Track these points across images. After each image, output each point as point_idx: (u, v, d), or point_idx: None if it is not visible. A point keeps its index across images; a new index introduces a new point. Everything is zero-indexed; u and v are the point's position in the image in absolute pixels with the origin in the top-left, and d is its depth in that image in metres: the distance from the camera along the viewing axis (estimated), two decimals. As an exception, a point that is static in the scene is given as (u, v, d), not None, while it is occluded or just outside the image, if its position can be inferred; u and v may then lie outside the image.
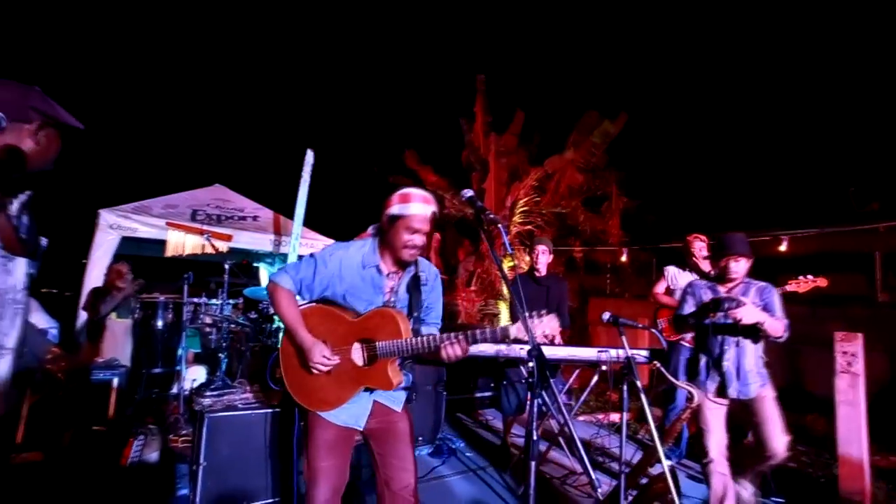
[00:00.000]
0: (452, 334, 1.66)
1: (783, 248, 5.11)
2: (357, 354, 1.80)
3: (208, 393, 3.04)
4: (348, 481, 1.87)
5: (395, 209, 1.77)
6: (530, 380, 1.33)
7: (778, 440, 2.40)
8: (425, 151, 9.39)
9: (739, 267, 2.52)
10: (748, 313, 2.30)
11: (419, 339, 1.69)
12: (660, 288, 3.96)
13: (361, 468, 2.77)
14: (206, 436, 2.61)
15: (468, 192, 1.73)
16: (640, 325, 3.65)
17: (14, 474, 2.82)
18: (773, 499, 3.09)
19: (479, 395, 5.16)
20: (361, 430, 1.87)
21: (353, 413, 1.85)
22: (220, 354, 3.67)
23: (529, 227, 8.05)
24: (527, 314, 1.45)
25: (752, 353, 2.51)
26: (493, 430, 4.55)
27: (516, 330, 1.52)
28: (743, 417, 2.57)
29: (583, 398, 3.10)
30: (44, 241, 1.50)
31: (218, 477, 2.59)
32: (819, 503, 1.97)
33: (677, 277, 3.92)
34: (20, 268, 1.41)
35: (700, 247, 3.82)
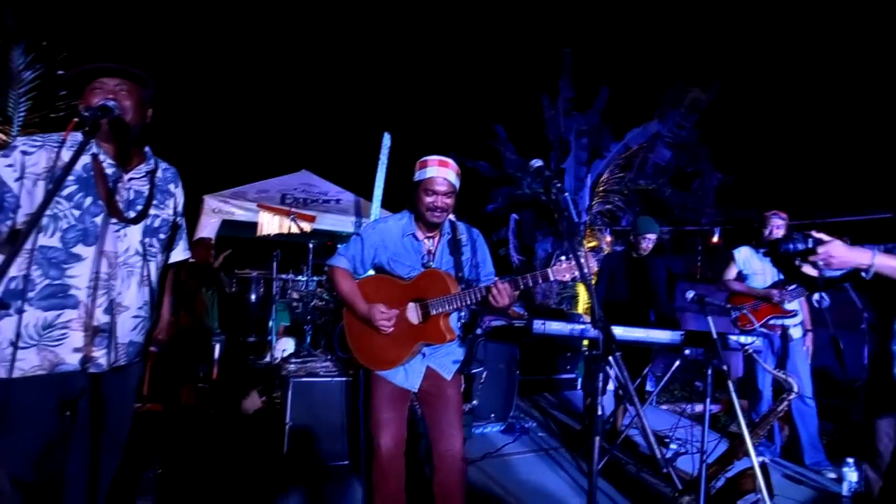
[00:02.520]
0: (496, 279, 1.80)
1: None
2: (412, 313, 1.92)
3: (294, 360, 3.29)
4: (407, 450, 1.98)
5: (415, 175, 1.91)
6: (594, 352, 1.26)
7: None
8: (506, 131, 9.26)
9: None
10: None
11: (466, 291, 1.81)
12: (730, 273, 3.55)
13: (419, 443, 2.86)
14: (292, 398, 2.83)
15: (537, 162, 1.69)
16: (730, 306, 3.43)
17: (142, 421, 3.28)
18: None
19: (558, 377, 5.06)
20: (415, 390, 1.97)
21: (408, 375, 1.96)
22: (305, 327, 3.95)
23: (610, 206, 7.66)
24: (573, 252, 1.52)
25: None
26: (572, 413, 4.45)
27: (555, 272, 1.68)
28: None
29: (662, 383, 2.90)
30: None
31: (303, 436, 2.82)
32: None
33: (750, 261, 3.52)
34: (134, 235, 1.58)
35: (777, 224, 3.38)
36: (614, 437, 3.26)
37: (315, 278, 4.67)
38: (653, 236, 3.52)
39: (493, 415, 3.69)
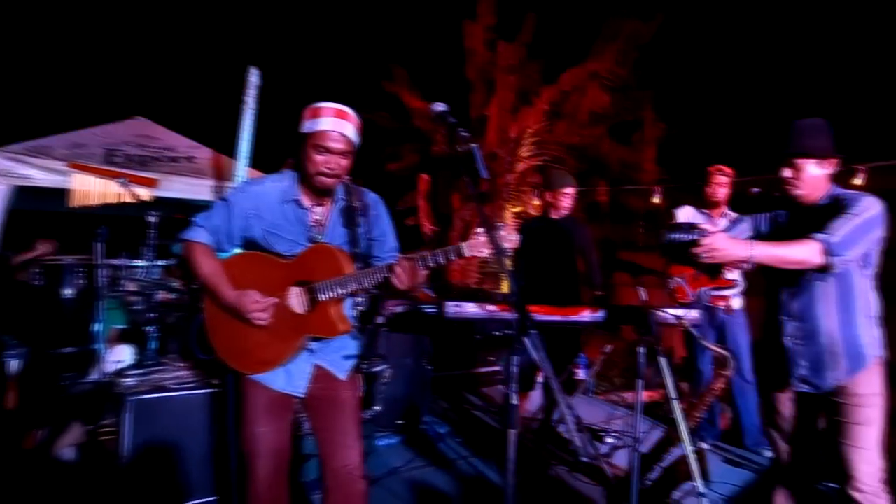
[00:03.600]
0: (400, 256, 1.85)
1: (858, 181, 5.10)
2: (295, 300, 1.92)
3: (133, 373, 3.11)
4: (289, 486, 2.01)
5: (303, 126, 1.87)
6: (507, 332, 1.36)
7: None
8: (412, 72, 9.20)
9: None
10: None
11: (364, 271, 1.85)
12: None
13: (306, 464, 2.90)
14: (130, 424, 2.68)
15: (439, 106, 1.75)
16: (668, 277, 3.79)
17: None
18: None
19: (480, 371, 5.27)
20: (301, 395, 1.99)
21: (291, 377, 1.97)
22: (148, 329, 3.73)
23: (540, 160, 7.98)
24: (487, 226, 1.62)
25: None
26: (496, 411, 4.68)
27: (469, 247, 1.73)
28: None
29: (593, 370, 3.17)
30: None
31: (147, 472, 2.69)
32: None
33: (693, 221, 3.93)
34: None
35: (721, 182, 3.80)
36: (546, 435, 3.51)
37: (160, 263, 4.40)
38: (572, 191, 3.77)
39: (400, 422, 3.79)
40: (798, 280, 2.06)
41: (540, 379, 4.04)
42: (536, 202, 7.84)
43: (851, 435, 1.96)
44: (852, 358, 1.99)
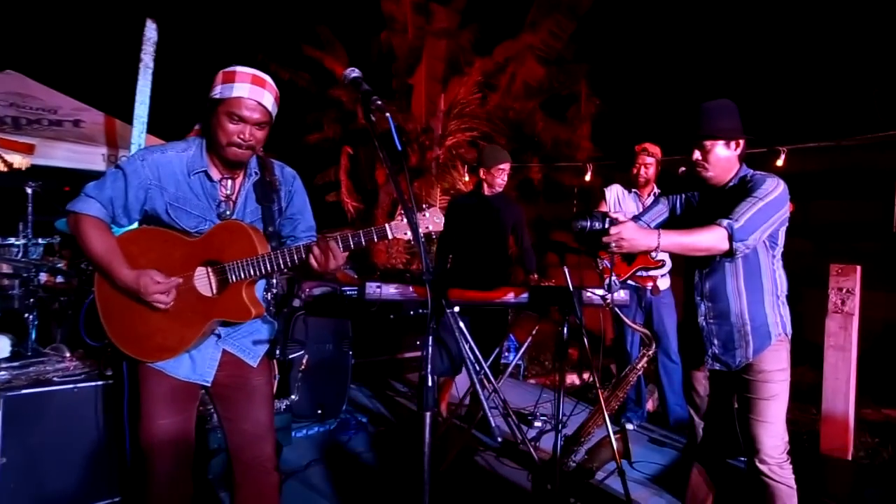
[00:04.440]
0: (318, 236, 1.83)
1: (780, 163, 5.48)
2: (202, 281, 1.88)
3: (6, 366, 2.95)
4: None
5: (215, 91, 1.82)
6: (421, 310, 1.40)
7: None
8: (338, 33, 9.02)
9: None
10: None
11: (279, 251, 1.82)
12: None
13: (212, 460, 2.87)
14: (2, 424, 2.55)
15: (353, 72, 1.74)
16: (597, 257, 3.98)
17: None
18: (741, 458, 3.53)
19: (405, 356, 5.35)
20: (208, 384, 1.96)
21: (196, 364, 1.94)
22: (27, 316, 3.53)
23: (471, 135, 8.08)
24: (411, 208, 1.60)
25: None
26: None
27: (394, 228, 1.74)
28: None
29: (521, 353, 3.30)
30: None
31: (29, 479, 2.56)
32: (798, 463, 2.30)
33: (623, 201, 4.14)
34: None
35: (647, 162, 4.02)
36: (472, 420, 3.63)
37: (41, 241, 4.15)
38: (507, 166, 3.87)
39: (319, 411, 3.81)
40: (709, 261, 2.24)
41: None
42: (466, 178, 7.96)
43: (757, 410, 2.17)
44: (759, 336, 2.20)
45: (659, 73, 10.34)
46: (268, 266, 1.81)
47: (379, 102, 1.68)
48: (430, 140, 7.86)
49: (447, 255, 4.02)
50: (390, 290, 3.00)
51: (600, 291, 2.99)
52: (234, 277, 1.83)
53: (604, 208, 4.13)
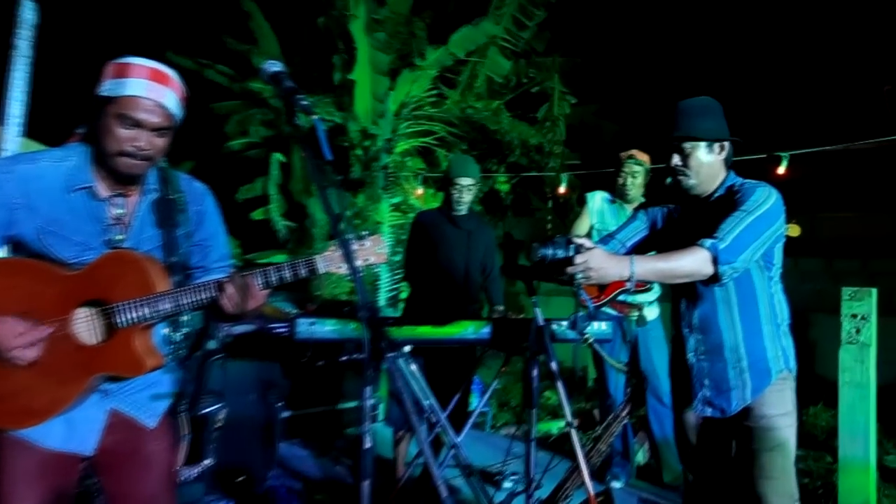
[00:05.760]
0: (233, 271, 1.84)
1: (781, 170, 5.61)
2: (84, 326, 1.78)
3: None
4: None
5: (104, 88, 1.76)
6: (354, 356, 1.37)
7: None
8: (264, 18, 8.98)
9: None
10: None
11: (181, 288, 1.78)
12: (580, 228, 4.20)
13: None
14: None
15: (273, 66, 1.75)
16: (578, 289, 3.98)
17: None
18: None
19: (348, 406, 5.25)
20: (88, 454, 1.87)
21: (74, 429, 1.83)
22: None
23: (425, 140, 8.09)
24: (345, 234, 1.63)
25: None
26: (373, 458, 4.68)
27: (327, 260, 1.75)
28: None
29: (485, 398, 3.26)
30: None
31: None
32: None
33: (606, 214, 4.20)
34: None
35: (634, 171, 4.09)
36: (427, 484, 3.56)
37: None
38: (469, 181, 3.86)
39: (241, 478, 3.70)
40: (696, 287, 2.24)
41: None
42: (420, 191, 7.93)
43: (760, 463, 2.16)
44: (758, 374, 2.20)
45: (645, 67, 10.57)
46: (167, 306, 1.76)
47: (304, 102, 1.68)
48: (375, 146, 7.80)
49: (415, 281, 4.01)
50: (326, 329, 2.94)
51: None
52: (123, 321, 1.75)
53: (585, 220, 4.16)
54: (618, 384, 4.11)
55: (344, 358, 4.00)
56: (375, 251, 1.75)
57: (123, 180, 1.84)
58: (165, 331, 1.99)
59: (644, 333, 4.09)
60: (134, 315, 1.74)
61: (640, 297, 4.06)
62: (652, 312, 4.14)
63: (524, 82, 8.98)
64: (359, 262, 1.74)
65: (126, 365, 1.79)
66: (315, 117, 1.63)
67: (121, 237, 1.87)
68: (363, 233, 1.81)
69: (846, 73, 9.22)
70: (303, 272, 1.77)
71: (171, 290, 1.78)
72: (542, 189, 8.84)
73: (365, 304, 1.56)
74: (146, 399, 1.94)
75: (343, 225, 1.66)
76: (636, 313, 4.07)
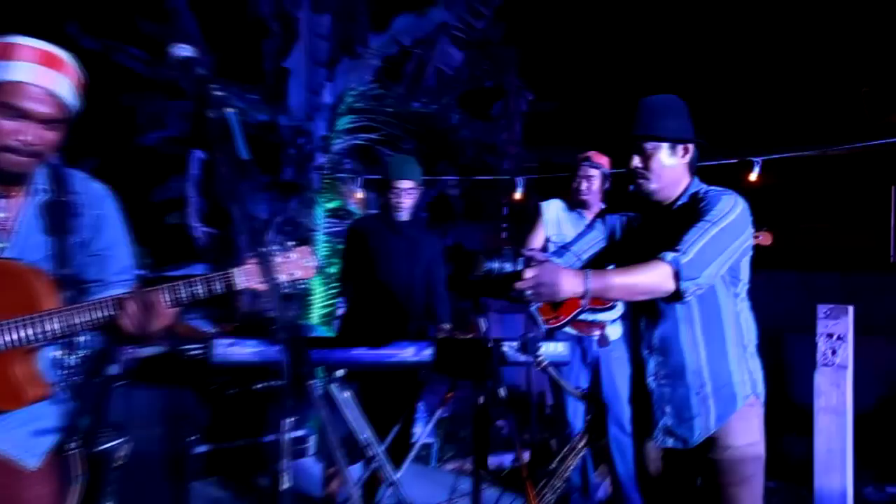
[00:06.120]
0: (137, 288, 1.83)
1: (753, 177, 5.75)
2: None
3: None
4: None
5: None
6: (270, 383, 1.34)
7: None
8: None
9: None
10: None
11: (73, 306, 1.75)
12: (535, 240, 4.25)
13: None
14: None
15: (183, 49, 1.73)
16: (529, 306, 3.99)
17: None
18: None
19: (271, 439, 5.17)
20: None
21: None
22: None
23: (367, 139, 8.07)
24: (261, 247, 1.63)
25: None
26: (300, 496, 4.60)
27: (246, 274, 1.75)
28: None
29: (428, 428, 3.23)
30: None
31: None
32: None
33: (562, 222, 4.24)
34: None
35: (590, 175, 4.16)
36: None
37: None
38: (409, 185, 3.87)
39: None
40: (656, 304, 2.26)
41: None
42: (360, 195, 7.90)
43: (727, 499, 2.20)
44: (722, 400, 2.23)
45: (610, 62, 10.75)
46: (55, 327, 1.72)
47: (218, 93, 1.67)
48: (311, 143, 7.74)
49: (351, 296, 3.98)
50: (246, 351, 2.88)
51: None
52: (1, 344, 1.69)
53: (540, 231, 4.18)
54: (576, 411, 4.13)
55: (259, 385, 3.96)
56: (303, 264, 1.75)
57: (6, 179, 1.81)
58: (57, 353, 1.93)
59: (606, 354, 4.12)
60: (14, 337, 1.70)
61: (601, 315, 4.09)
62: (615, 331, 4.17)
63: (477, 75, 9.02)
64: (282, 277, 1.73)
65: (2, 396, 1.74)
66: (230, 110, 1.63)
67: (2, 245, 1.83)
68: (288, 243, 1.81)
69: (822, 74, 9.51)
70: (218, 287, 1.77)
71: (60, 308, 1.74)
72: (497, 194, 8.88)
73: (285, 322, 1.54)
74: (26, 435, 1.88)
75: (264, 234, 1.62)
76: (598, 332, 4.09)
